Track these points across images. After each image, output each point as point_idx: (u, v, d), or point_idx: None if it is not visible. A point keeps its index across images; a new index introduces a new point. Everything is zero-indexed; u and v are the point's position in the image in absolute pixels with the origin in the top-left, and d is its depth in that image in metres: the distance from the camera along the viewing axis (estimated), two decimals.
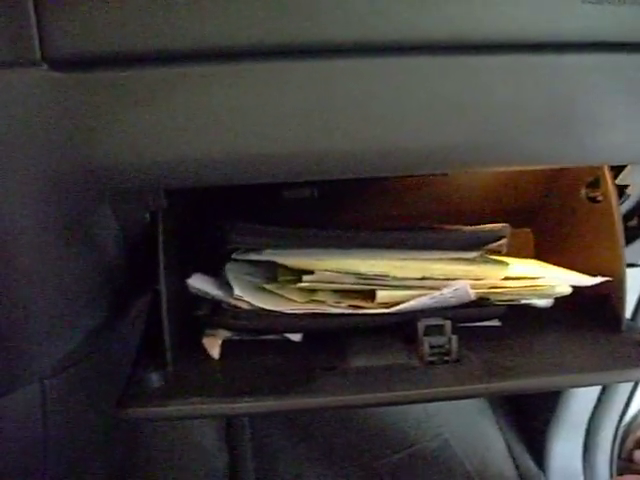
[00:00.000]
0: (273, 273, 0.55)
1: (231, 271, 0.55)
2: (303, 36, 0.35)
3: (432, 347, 0.50)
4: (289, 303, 0.52)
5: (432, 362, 0.50)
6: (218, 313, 0.53)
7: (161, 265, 0.48)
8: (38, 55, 0.33)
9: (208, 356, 0.52)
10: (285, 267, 0.54)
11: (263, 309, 0.51)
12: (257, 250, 0.54)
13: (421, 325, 0.51)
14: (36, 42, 0.32)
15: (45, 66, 0.33)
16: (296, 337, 0.55)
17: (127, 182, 0.39)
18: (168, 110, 0.36)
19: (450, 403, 0.92)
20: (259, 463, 0.84)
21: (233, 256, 0.55)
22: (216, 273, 0.56)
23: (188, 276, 0.53)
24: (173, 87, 0.35)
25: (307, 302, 0.53)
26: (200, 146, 0.37)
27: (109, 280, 0.49)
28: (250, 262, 0.56)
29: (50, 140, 0.35)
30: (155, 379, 0.48)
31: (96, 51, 0.33)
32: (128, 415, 0.46)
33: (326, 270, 0.52)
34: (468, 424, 0.91)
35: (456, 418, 0.92)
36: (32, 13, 0.32)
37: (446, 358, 0.50)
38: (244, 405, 0.46)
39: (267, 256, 0.53)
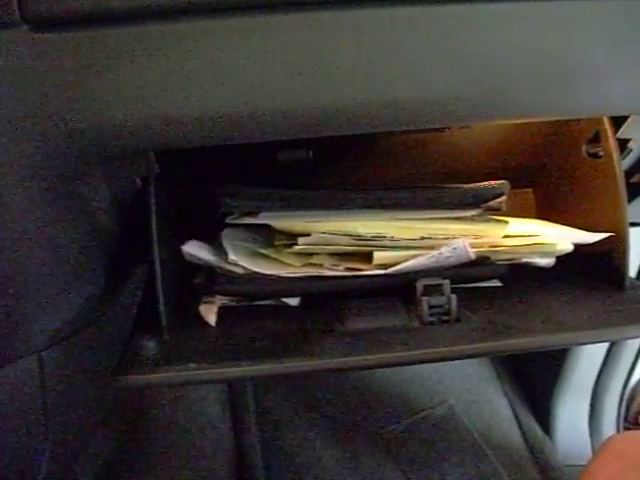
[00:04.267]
0: (269, 239, 0.54)
1: (226, 237, 0.54)
2: None
3: (431, 307, 0.50)
4: (285, 267, 0.52)
5: (431, 322, 0.50)
6: (214, 279, 0.52)
7: (153, 232, 0.47)
8: (17, 16, 0.32)
9: (205, 323, 0.51)
10: (281, 231, 0.53)
11: (259, 273, 0.51)
12: (252, 214, 0.53)
13: (419, 285, 0.50)
14: (14, 2, 0.32)
15: (25, 27, 0.32)
16: (293, 302, 0.54)
17: (113, 144, 0.38)
18: (152, 68, 0.35)
19: (455, 370, 0.93)
20: (263, 432, 0.84)
21: (228, 220, 0.54)
22: (212, 240, 0.55)
23: (183, 243, 0.53)
24: (156, 45, 0.34)
25: (304, 265, 0.52)
26: (188, 105, 0.36)
27: (104, 249, 0.49)
28: (246, 228, 0.55)
29: (34, 102, 0.34)
30: (151, 346, 0.48)
31: (76, 10, 0.33)
32: (125, 383, 0.46)
33: (323, 232, 0.51)
34: (473, 390, 0.91)
35: (461, 385, 0.92)
36: None
37: (445, 318, 0.50)
38: (240, 369, 0.45)
39: (262, 219, 0.53)
